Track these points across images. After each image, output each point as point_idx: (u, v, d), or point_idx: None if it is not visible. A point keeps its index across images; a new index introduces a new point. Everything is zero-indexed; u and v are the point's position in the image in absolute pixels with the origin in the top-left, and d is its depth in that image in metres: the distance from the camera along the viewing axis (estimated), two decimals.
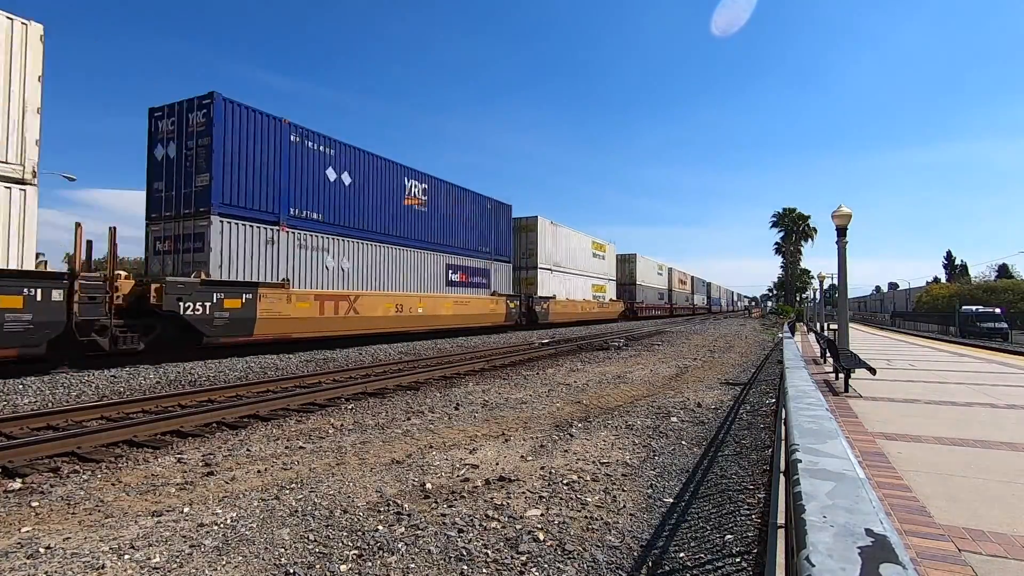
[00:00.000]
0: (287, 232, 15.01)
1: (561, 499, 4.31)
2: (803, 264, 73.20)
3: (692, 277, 73.79)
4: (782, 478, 3.68)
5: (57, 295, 10.02)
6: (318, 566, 3.20)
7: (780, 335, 20.72)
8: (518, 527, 3.75)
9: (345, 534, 3.63)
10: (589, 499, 4.32)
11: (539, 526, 3.77)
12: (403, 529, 3.71)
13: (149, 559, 3.25)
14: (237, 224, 13.72)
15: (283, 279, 14.71)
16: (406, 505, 4.15)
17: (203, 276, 12.64)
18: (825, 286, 38.64)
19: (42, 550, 3.38)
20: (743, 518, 3.98)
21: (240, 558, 3.29)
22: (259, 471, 5.04)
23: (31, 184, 10.04)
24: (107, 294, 10.90)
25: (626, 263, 47.22)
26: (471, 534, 3.63)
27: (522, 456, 5.52)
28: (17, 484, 4.70)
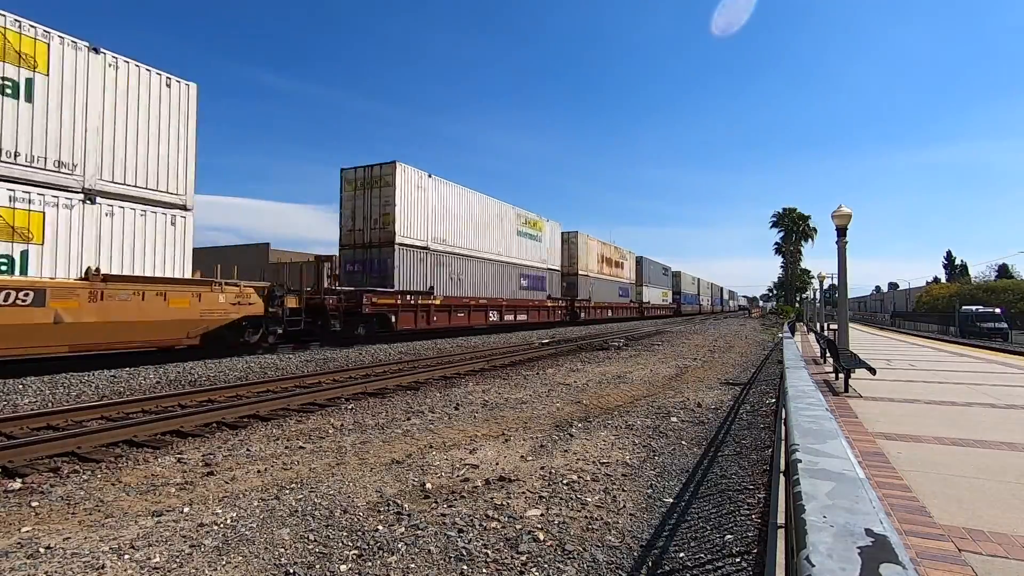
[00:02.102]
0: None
1: (561, 499, 4.31)
2: (803, 264, 73.04)
3: (642, 259, 48.72)
4: (782, 478, 3.68)
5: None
6: (318, 566, 3.20)
7: (780, 335, 20.74)
8: (518, 527, 3.75)
9: (345, 534, 3.63)
10: (589, 499, 4.32)
11: (539, 526, 3.77)
12: (403, 529, 3.71)
13: (149, 559, 3.25)
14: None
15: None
16: (406, 505, 4.15)
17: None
18: (825, 286, 38.64)
19: (42, 550, 3.38)
20: (743, 518, 3.98)
21: (240, 558, 3.29)
22: (259, 471, 5.04)
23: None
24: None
25: (369, 188, 19.73)
26: (471, 534, 3.63)
27: (522, 456, 5.52)
28: (17, 484, 4.70)
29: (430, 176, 21.34)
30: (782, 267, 74.29)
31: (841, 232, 11.41)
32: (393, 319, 18.65)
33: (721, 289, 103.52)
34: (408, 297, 19.38)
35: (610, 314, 40.31)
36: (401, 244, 19.43)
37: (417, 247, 20.33)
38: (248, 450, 5.79)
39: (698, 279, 75.26)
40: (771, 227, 69.15)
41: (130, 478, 4.90)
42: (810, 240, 66.83)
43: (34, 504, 4.23)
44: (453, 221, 22.60)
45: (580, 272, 35.21)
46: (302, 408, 8.09)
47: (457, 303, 22.22)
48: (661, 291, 55.28)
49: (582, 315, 34.53)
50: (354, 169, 20.30)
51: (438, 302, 20.91)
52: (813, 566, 0.96)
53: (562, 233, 34.01)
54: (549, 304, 30.49)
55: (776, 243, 70.39)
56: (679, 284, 62.24)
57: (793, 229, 67.17)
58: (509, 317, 26.22)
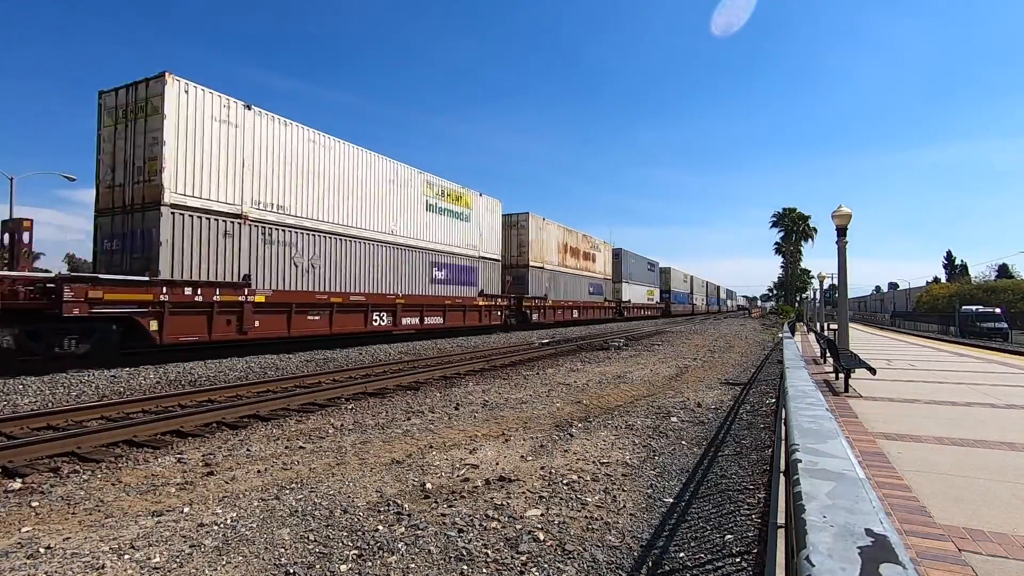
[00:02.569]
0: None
1: (561, 499, 4.30)
2: (803, 264, 72.88)
3: (620, 252, 42.31)
4: (782, 478, 3.68)
5: None
6: (318, 566, 3.20)
7: (780, 335, 20.74)
8: (518, 527, 3.75)
9: (345, 534, 3.63)
10: (589, 499, 4.32)
11: (539, 526, 3.77)
12: (403, 529, 3.71)
13: (149, 559, 3.25)
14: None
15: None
16: (406, 505, 4.15)
17: None
18: (825, 286, 38.64)
19: (42, 550, 3.38)
20: (743, 518, 3.98)
21: (240, 558, 3.29)
22: (259, 471, 5.04)
23: None
24: None
25: (134, 120, 12.05)
26: (471, 534, 3.63)
27: (522, 456, 5.52)
28: (17, 484, 4.70)
29: (249, 107, 13.69)
30: (782, 267, 74.22)
31: (841, 232, 11.42)
32: (153, 326, 11.33)
33: (718, 288, 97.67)
34: (187, 291, 11.89)
35: (576, 315, 33.47)
36: (177, 206, 11.98)
37: (215, 213, 12.81)
38: (248, 450, 5.79)
39: (691, 276, 69.84)
40: (771, 227, 69.11)
41: (130, 478, 4.90)
42: (810, 240, 66.81)
43: (34, 504, 4.23)
44: (300, 179, 15.07)
45: (532, 264, 27.85)
46: (302, 408, 8.09)
47: (304, 300, 14.82)
48: (646, 289, 49.08)
49: (534, 316, 27.74)
50: (115, 92, 12.59)
51: (260, 299, 13.54)
52: (813, 566, 0.96)
53: (505, 215, 26.56)
54: (481, 303, 23.31)
55: (776, 243, 70.39)
56: (668, 281, 56.57)
57: (793, 229, 67.12)
58: (411, 320, 19.02)
